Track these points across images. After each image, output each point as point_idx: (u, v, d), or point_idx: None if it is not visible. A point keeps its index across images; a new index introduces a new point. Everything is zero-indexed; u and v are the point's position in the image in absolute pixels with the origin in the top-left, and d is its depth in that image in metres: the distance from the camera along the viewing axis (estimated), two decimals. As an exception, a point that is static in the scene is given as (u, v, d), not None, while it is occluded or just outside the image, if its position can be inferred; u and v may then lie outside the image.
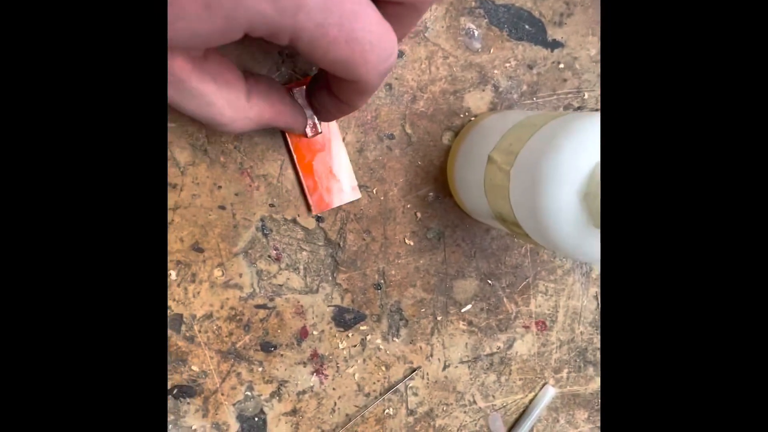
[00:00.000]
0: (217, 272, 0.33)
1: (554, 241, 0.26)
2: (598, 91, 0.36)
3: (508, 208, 0.28)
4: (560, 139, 0.25)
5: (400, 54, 0.33)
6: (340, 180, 0.33)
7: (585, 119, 0.26)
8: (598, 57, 0.36)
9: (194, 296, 0.33)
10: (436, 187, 0.35)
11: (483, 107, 0.35)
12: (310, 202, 0.33)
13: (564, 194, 0.25)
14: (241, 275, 0.33)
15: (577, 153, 0.25)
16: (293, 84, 0.31)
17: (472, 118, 0.34)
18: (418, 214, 0.35)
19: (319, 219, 0.34)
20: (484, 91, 0.34)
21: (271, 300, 0.34)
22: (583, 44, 0.35)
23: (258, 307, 0.34)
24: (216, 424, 0.34)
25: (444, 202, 0.35)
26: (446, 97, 0.34)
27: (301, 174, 0.32)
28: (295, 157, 0.32)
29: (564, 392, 0.39)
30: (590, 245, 0.26)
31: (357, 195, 0.33)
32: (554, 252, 0.36)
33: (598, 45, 0.35)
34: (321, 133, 0.31)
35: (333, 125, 0.32)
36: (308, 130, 0.31)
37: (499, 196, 0.28)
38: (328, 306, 0.35)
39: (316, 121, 0.31)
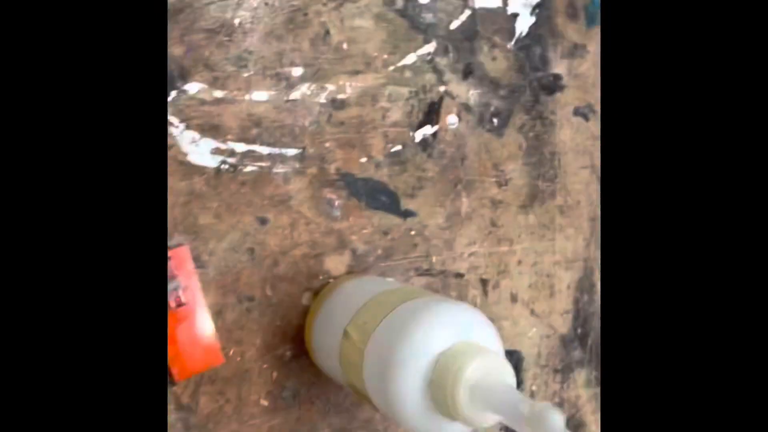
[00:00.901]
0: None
1: (404, 424, 0.28)
2: (444, 255, 0.40)
3: (361, 383, 0.29)
4: (411, 325, 0.27)
5: (264, 221, 0.34)
6: (204, 346, 0.33)
7: (435, 307, 0.28)
8: (446, 224, 0.40)
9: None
10: (293, 346, 0.36)
11: (342, 269, 0.37)
12: (173, 371, 0.32)
13: (411, 381, 0.26)
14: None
15: (427, 340, 0.27)
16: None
17: (331, 280, 0.36)
18: (275, 374, 0.35)
19: (170, 383, 0.33)
20: (342, 255, 0.37)
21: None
22: (431, 214, 0.39)
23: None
24: None
25: (301, 361, 0.36)
26: (306, 261, 0.36)
27: (155, 339, 0.32)
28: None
29: None
30: (438, 430, 0.27)
31: (221, 359, 0.33)
32: None
33: (446, 214, 0.40)
34: (185, 304, 0.31)
35: (198, 294, 0.32)
36: (171, 302, 0.30)
37: (353, 371, 0.30)
38: (175, 473, 0.33)
39: (180, 292, 0.31)
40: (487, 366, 0.25)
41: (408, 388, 0.26)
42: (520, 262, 0.43)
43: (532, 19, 0.41)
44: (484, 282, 0.41)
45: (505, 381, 0.25)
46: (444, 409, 0.25)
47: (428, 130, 0.39)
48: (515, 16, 0.41)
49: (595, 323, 0.46)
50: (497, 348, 0.27)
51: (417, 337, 0.27)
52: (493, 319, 0.29)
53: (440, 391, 0.25)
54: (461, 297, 0.41)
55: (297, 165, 0.35)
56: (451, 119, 0.39)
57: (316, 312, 0.34)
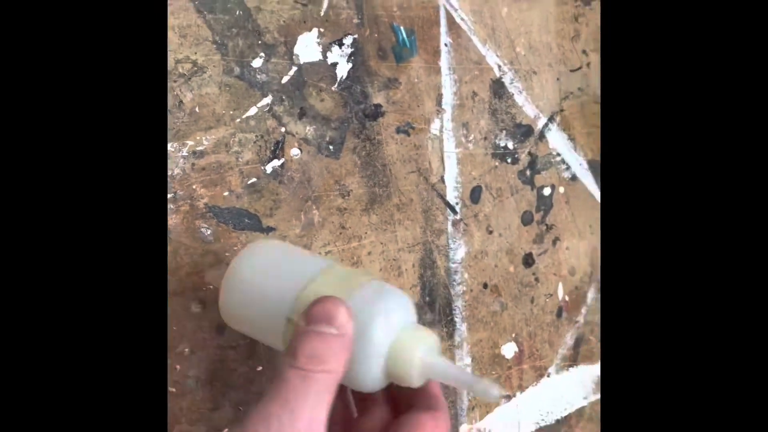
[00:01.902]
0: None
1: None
2: (304, 257, 0.51)
3: None
4: (368, 320, 0.30)
5: (152, 251, 0.45)
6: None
7: (382, 297, 0.31)
8: (302, 233, 0.51)
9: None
10: (190, 345, 0.46)
11: (220, 280, 0.47)
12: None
13: (373, 369, 0.30)
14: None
15: (383, 332, 0.30)
16: None
17: (211, 287, 0.47)
18: (178, 367, 0.46)
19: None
20: (219, 269, 0.47)
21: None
22: (289, 227, 0.50)
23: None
24: None
25: (197, 354, 0.47)
26: (191, 277, 0.46)
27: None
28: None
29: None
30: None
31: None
32: None
33: (301, 225, 0.51)
34: None
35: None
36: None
37: None
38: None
39: None
40: (428, 344, 0.30)
41: (367, 376, 0.30)
42: (369, 253, 0.54)
43: (349, 65, 0.53)
44: (341, 273, 0.53)
45: (431, 345, 0.30)
46: (397, 380, 0.30)
47: (276, 162, 0.50)
48: (335, 64, 0.52)
49: (440, 291, 0.59)
50: (414, 315, 0.32)
51: (376, 332, 0.29)
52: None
53: (397, 372, 0.30)
54: (324, 287, 0.52)
55: (171, 206, 0.45)
56: (294, 152, 0.51)
57: (231, 278, 0.38)
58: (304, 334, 0.28)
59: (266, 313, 0.33)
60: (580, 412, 0.69)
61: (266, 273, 0.36)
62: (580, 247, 0.69)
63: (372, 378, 0.30)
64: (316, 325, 0.28)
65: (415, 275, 0.57)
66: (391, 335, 0.29)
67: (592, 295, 0.69)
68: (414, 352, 0.29)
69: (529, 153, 0.64)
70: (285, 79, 0.50)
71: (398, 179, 0.56)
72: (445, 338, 0.59)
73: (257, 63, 0.49)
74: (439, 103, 0.58)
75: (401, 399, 0.34)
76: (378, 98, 0.55)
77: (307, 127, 0.51)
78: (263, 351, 0.49)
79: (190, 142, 0.46)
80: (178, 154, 0.46)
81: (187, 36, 0.46)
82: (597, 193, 0.69)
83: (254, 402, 0.28)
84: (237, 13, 0.48)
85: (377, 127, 0.55)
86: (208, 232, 0.47)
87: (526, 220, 0.64)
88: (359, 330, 0.29)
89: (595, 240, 0.69)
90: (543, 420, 0.66)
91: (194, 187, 0.46)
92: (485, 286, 0.62)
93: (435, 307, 0.58)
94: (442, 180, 0.59)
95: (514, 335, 0.64)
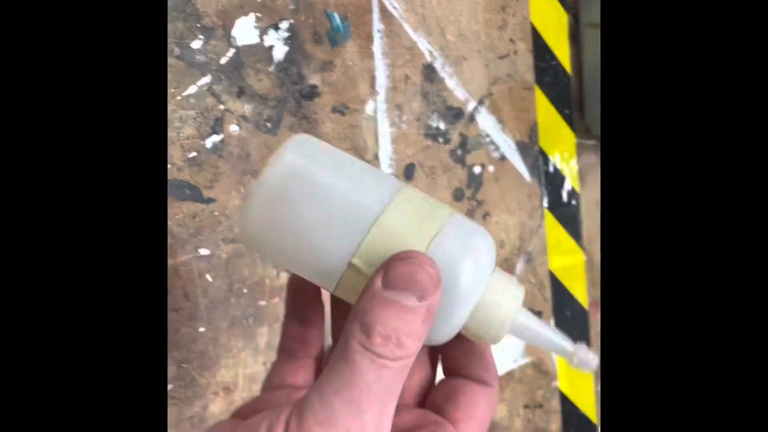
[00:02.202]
0: None
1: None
2: (244, 227, 0.55)
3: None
4: (457, 266, 0.23)
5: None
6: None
7: (471, 241, 0.24)
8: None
9: None
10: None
11: (163, 247, 0.51)
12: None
13: (456, 318, 0.24)
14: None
15: (475, 276, 0.24)
16: None
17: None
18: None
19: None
20: (162, 236, 0.51)
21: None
22: (229, 198, 0.54)
23: None
24: None
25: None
26: (134, 244, 0.50)
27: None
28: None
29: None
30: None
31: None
32: None
33: (241, 197, 0.54)
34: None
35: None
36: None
37: (353, 292, 0.24)
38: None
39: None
40: (518, 298, 0.25)
41: (444, 331, 0.24)
42: (307, 224, 0.58)
43: (286, 48, 0.57)
44: (280, 242, 0.57)
45: (520, 299, 0.25)
46: (475, 336, 0.25)
47: (216, 138, 0.53)
48: (272, 47, 0.56)
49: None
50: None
51: (464, 282, 0.23)
52: (255, 259, 0.44)
53: (479, 328, 0.24)
54: (263, 255, 0.56)
55: (115, 176, 0.49)
56: (233, 128, 0.54)
57: (265, 187, 0.24)
58: (383, 304, 0.21)
59: (314, 245, 0.24)
60: (510, 374, 0.74)
61: (316, 185, 0.24)
62: (509, 221, 0.74)
63: (448, 333, 0.24)
64: (398, 292, 0.22)
65: (351, 245, 0.61)
66: (479, 286, 0.24)
67: (521, 266, 0.75)
68: (503, 307, 0.24)
69: (460, 134, 0.69)
70: (223, 60, 0.54)
71: (334, 156, 0.60)
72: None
73: (196, 45, 0.52)
74: (372, 85, 0.62)
75: (449, 358, 0.27)
76: (314, 79, 0.59)
77: (246, 105, 0.55)
78: (204, 313, 0.52)
79: (132, 117, 0.49)
80: (120, 128, 0.49)
81: (128, 18, 0.49)
82: (525, 172, 0.75)
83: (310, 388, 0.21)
84: (177, -3, 0.51)
85: (313, 106, 0.59)
86: (151, 202, 0.50)
87: (458, 196, 0.69)
88: (444, 272, 0.23)
89: (523, 216, 0.75)
90: (476, 383, 0.71)
91: (137, 159, 0.50)
92: (419, 256, 0.66)
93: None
94: (377, 157, 0.63)
95: (447, 303, 0.68)
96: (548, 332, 0.25)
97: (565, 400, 0.79)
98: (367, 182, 0.25)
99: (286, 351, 0.26)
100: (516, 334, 0.25)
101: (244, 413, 0.24)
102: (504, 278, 0.25)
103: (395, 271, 0.22)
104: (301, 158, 0.24)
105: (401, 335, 0.21)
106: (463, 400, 0.25)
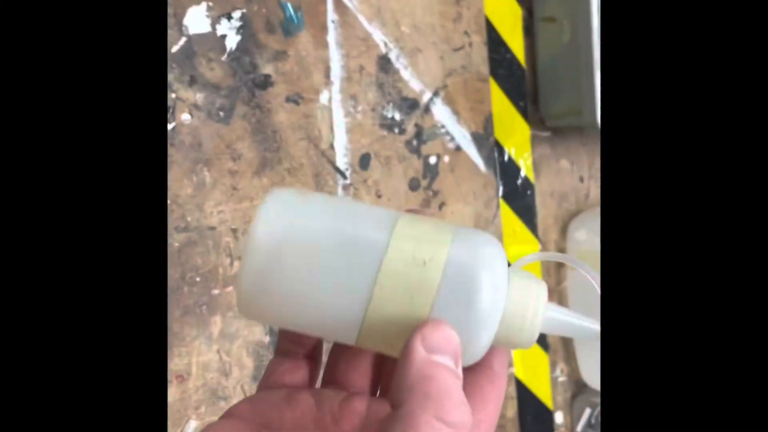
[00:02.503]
0: None
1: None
2: (197, 215, 0.55)
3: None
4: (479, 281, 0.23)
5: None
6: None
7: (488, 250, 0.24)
8: (194, 193, 0.54)
9: None
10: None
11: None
12: None
13: (492, 319, 0.24)
14: None
15: (499, 282, 0.24)
16: None
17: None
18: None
19: None
20: (112, 224, 0.50)
21: None
22: (181, 187, 0.54)
23: None
24: None
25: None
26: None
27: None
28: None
29: (203, 422, 0.55)
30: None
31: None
32: None
33: (193, 185, 0.54)
34: None
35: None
36: None
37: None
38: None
39: None
40: (542, 297, 0.24)
41: (475, 350, 0.24)
42: (261, 213, 0.59)
43: (239, 37, 0.57)
44: (234, 230, 0.57)
45: (545, 296, 0.25)
46: (508, 345, 0.25)
47: (168, 126, 0.53)
48: (224, 36, 0.56)
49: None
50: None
51: (484, 301, 0.23)
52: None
53: (511, 338, 0.24)
54: (216, 245, 0.56)
55: (62, 164, 0.48)
56: (185, 116, 0.54)
57: (256, 255, 0.23)
58: (431, 369, 0.21)
59: (323, 306, 0.23)
60: (466, 361, 0.75)
61: (309, 244, 0.23)
62: (465, 211, 0.75)
63: (478, 355, 0.24)
64: (441, 355, 0.22)
65: (307, 234, 0.62)
66: (501, 299, 0.23)
67: (477, 255, 0.76)
68: (529, 312, 0.24)
69: (416, 124, 0.70)
70: (175, 49, 0.54)
71: (289, 145, 0.60)
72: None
73: (146, 32, 0.52)
74: (327, 75, 0.63)
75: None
76: (267, 69, 0.59)
77: (197, 94, 0.55)
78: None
79: (79, 105, 0.49)
80: (67, 115, 0.48)
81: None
82: (480, 163, 0.76)
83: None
84: (126, -16, 0.51)
85: (267, 96, 0.59)
86: (100, 190, 0.50)
87: (414, 185, 0.70)
88: (461, 300, 0.23)
89: (479, 206, 0.76)
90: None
91: (85, 147, 0.49)
92: (375, 245, 0.67)
93: (326, 264, 0.63)
94: (332, 147, 0.63)
95: (403, 291, 0.69)
96: (576, 320, 0.25)
97: (521, 386, 0.81)
98: (361, 224, 0.24)
99: (282, 351, 0.27)
100: (546, 331, 0.25)
101: (239, 413, 0.24)
102: (522, 281, 0.24)
103: (436, 334, 0.22)
104: (285, 219, 0.23)
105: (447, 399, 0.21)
106: (475, 394, 0.25)
